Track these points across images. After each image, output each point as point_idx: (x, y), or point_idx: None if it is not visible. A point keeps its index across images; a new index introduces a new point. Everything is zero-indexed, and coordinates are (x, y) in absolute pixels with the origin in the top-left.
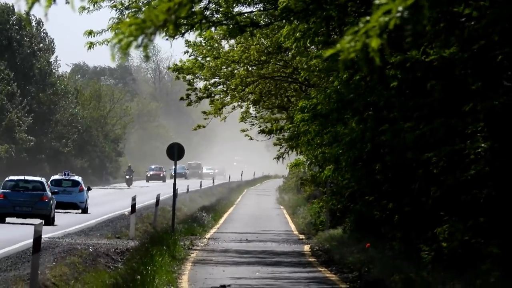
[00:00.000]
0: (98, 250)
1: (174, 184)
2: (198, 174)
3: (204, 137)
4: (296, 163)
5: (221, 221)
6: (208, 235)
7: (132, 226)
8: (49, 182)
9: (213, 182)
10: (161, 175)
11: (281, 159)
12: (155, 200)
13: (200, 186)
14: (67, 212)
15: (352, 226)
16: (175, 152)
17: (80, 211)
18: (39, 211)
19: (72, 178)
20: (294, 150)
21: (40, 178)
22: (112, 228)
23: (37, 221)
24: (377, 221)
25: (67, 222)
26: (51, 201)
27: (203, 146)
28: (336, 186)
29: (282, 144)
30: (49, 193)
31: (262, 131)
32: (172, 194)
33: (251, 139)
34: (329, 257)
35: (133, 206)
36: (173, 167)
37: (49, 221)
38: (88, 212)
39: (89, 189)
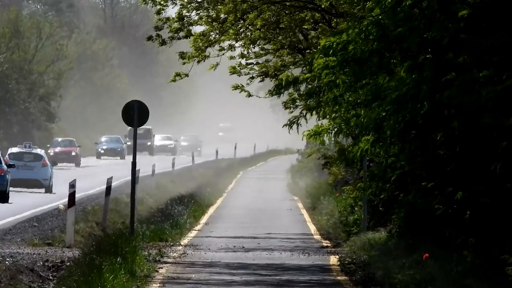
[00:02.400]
0: (19, 263)
1: (134, 164)
2: (146, 148)
3: (178, 93)
4: (316, 131)
5: (205, 219)
6: (185, 241)
7: (70, 227)
8: (6, 156)
9: (193, 160)
10: (73, 153)
11: (294, 126)
12: (104, 187)
13: (173, 166)
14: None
15: (401, 226)
16: (135, 114)
17: (43, 190)
18: None
19: (34, 151)
20: (314, 112)
21: None
22: (40, 230)
23: None
24: (439, 219)
25: None
26: (7, 176)
27: (176, 107)
28: (378, 167)
29: (296, 104)
30: (5, 166)
31: (263, 75)
32: (130, 178)
33: (249, 95)
34: (368, 273)
35: (72, 196)
36: (102, 139)
37: (4, 198)
38: (53, 191)
39: (54, 164)
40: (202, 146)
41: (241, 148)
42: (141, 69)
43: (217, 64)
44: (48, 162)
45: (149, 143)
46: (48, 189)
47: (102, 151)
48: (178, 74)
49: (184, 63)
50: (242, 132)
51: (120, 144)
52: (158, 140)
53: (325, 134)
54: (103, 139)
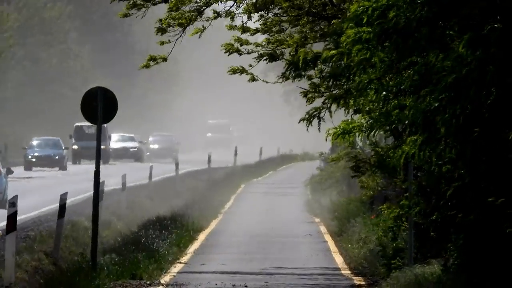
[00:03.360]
0: None
1: (97, 173)
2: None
3: (158, 79)
4: (345, 129)
5: (194, 247)
6: (166, 278)
7: (10, 260)
8: None
9: (176, 168)
10: None
11: (315, 121)
12: (54, 206)
13: (150, 177)
14: None
15: (460, 258)
16: (99, 106)
17: None
18: None
19: None
20: (341, 102)
21: None
22: None
23: None
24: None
25: None
26: None
27: (156, 98)
28: (428, 177)
29: (318, 89)
30: None
31: (271, 57)
32: (90, 193)
33: (253, 79)
34: None
35: (12, 218)
36: (34, 143)
37: None
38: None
39: (8, 171)
40: (179, 150)
41: (243, 152)
42: (108, 45)
43: (204, 28)
44: (2, 170)
45: (103, 146)
46: (2, 204)
47: (33, 159)
48: (153, 58)
49: (162, 43)
50: (243, 131)
51: (58, 149)
52: (115, 141)
53: (357, 133)
54: (34, 142)
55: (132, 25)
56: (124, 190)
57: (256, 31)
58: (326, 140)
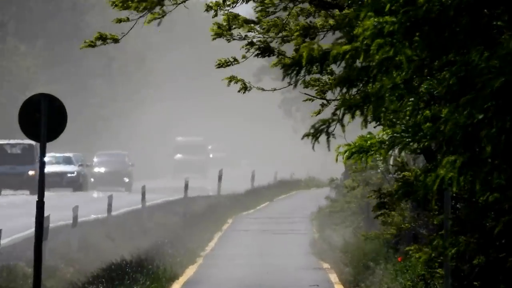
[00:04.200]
0: None
1: (40, 203)
2: (25, 181)
3: (121, 82)
4: (362, 146)
5: None
6: None
7: None
8: None
9: (143, 197)
10: None
11: (323, 137)
12: None
13: (109, 209)
14: None
15: None
16: (43, 119)
17: None
18: None
19: None
20: (357, 112)
21: None
22: None
23: None
24: None
25: None
26: None
27: (116, 106)
28: (470, 209)
29: (327, 99)
30: None
31: (263, 52)
32: (30, 231)
33: (245, 89)
34: None
35: None
36: None
37: None
38: None
39: None
40: (133, 174)
41: (228, 177)
42: (55, 38)
43: (164, 14)
44: None
45: (32, 172)
46: None
47: None
48: (101, 37)
49: (119, 21)
50: (226, 151)
51: None
52: (46, 164)
53: (377, 151)
54: None
55: (84, 13)
56: (75, 226)
57: (250, 21)
58: (337, 160)
